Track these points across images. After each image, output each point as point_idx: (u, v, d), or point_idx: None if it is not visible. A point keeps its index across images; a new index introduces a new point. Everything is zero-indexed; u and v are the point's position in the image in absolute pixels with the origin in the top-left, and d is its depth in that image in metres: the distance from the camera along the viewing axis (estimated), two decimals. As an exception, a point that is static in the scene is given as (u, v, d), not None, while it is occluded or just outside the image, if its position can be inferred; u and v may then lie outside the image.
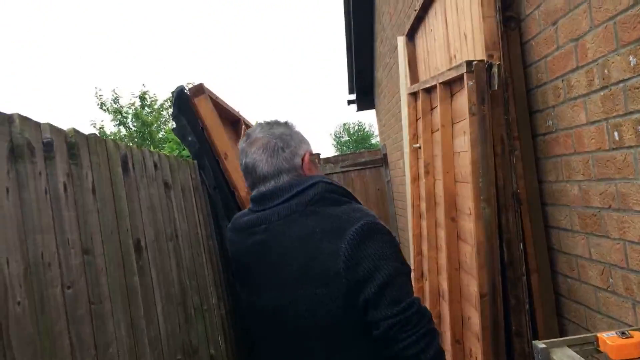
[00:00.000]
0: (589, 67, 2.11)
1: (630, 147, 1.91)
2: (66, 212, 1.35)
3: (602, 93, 2.04)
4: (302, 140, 1.84)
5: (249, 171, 1.80)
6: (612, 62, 1.95)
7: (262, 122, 1.88)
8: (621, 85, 1.91)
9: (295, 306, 1.65)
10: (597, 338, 1.76)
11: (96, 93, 21.43)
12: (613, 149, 2.02)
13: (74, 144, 1.44)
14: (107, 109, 21.44)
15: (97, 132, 21.64)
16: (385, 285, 1.53)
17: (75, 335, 1.31)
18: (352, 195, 1.81)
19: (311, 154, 1.85)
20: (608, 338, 1.70)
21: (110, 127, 21.92)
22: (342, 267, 1.54)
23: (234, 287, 3.08)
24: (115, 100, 21.55)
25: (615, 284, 2.11)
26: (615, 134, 1.98)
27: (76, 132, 1.47)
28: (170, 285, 2.13)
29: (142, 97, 21.52)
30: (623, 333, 1.69)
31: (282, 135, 1.79)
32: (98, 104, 21.20)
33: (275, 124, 1.85)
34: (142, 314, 1.78)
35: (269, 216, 1.72)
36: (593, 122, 2.13)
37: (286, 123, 1.87)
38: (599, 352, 1.77)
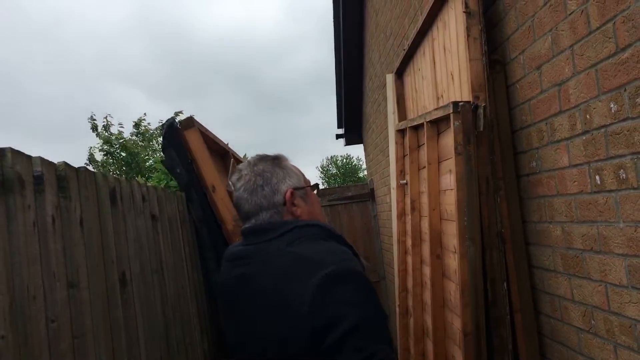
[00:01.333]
0: (572, 112, 2.16)
1: (611, 190, 1.95)
2: (53, 245, 1.35)
3: (584, 137, 2.09)
4: (287, 176, 1.80)
5: (236, 207, 1.82)
6: (594, 108, 2.00)
7: (252, 157, 1.89)
8: (602, 130, 1.96)
9: (264, 346, 1.63)
10: (578, 380, 1.77)
11: (91, 117, 21.37)
12: (595, 192, 2.06)
13: (64, 177, 1.45)
14: (99, 134, 21.38)
15: (87, 158, 21.29)
16: (350, 333, 1.47)
17: (57, 370, 1.31)
18: (337, 234, 1.78)
19: (296, 189, 1.80)
20: (589, 381, 1.71)
21: (99, 155, 21.81)
22: (308, 310, 1.51)
23: (218, 321, 3.06)
24: (106, 127, 21.51)
25: (597, 326, 2.13)
26: (597, 177, 2.03)
27: (66, 165, 1.48)
28: (154, 319, 2.12)
29: (138, 125, 21.48)
30: (604, 376, 1.70)
31: (263, 173, 1.78)
32: (92, 129, 21.14)
33: (261, 159, 1.84)
34: (125, 348, 1.77)
35: (252, 252, 1.72)
36: (575, 165, 2.18)
37: (273, 158, 1.85)
38: (581, 394, 1.78)
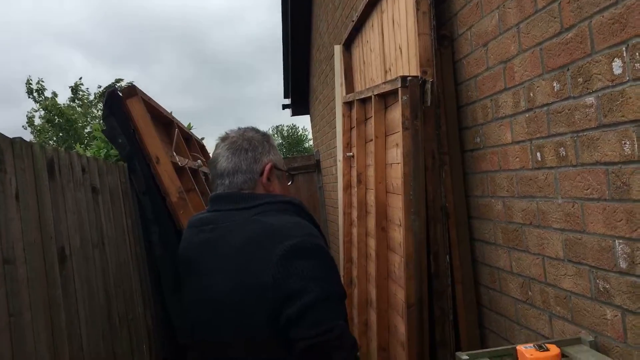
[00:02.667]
0: (516, 89, 2.20)
1: (551, 167, 2.01)
2: (-14, 221, 1.28)
3: (527, 115, 2.14)
4: (271, 152, 1.85)
5: (211, 164, 1.84)
6: (538, 86, 2.05)
7: (244, 127, 1.93)
8: (545, 108, 2.01)
9: (222, 313, 1.63)
10: (516, 350, 1.84)
11: (27, 81, 20.49)
12: (536, 168, 2.12)
13: (-2, 149, 1.38)
14: (34, 98, 20.57)
15: (26, 123, 20.51)
16: (310, 306, 1.51)
17: (-8, 351, 1.25)
18: (307, 212, 1.81)
19: (275, 168, 1.84)
20: (526, 351, 1.78)
21: (38, 119, 20.99)
22: (270, 280, 1.53)
23: (162, 296, 3.02)
24: (39, 91, 20.68)
25: (534, 297, 2.22)
26: (538, 154, 2.08)
27: (0, 136, 1.40)
28: (94, 295, 2.07)
29: (75, 89, 20.72)
30: (540, 346, 1.78)
31: (252, 139, 1.83)
32: (27, 93, 20.33)
33: (252, 129, 1.89)
34: (64, 326, 1.72)
35: (218, 218, 1.73)
36: (518, 142, 2.23)
37: (264, 133, 1.90)
38: (518, 364, 1.85)
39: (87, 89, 21.63)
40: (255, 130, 1.90)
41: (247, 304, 1.57)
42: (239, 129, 1.89)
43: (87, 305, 1.95)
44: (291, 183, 1.96)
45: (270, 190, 1.81)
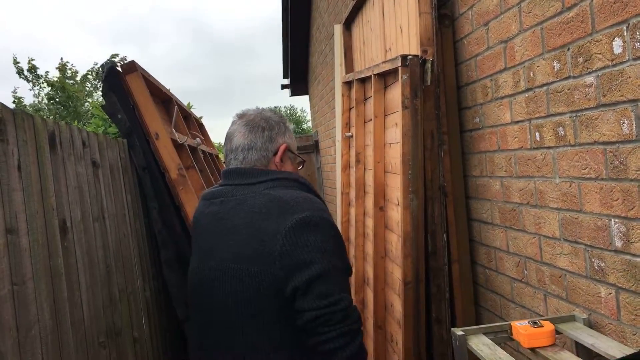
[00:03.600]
0: (516, 69, 2.21)
1: (549, 147, 2.02)
2: (-10, 190, 1.30)
3: (526, 95, 2.15)
4: (286, 134, 1.87)
5: (227, 139, 1.86)
6: (538, 66, 2.05)
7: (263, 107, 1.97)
8: (544, 88, 2.02)
9: (229, 280, 1.64)
10: (510, 326, 1.87)
11: (14, 60, 20.30)
12: (534, 148, 2.13)
13: (0, 120, 1.38)
14: (26, 77, 20.39)
15: (13, 102, 20.36)
16: (317, 278, 1.54)
17: (-4, 317, 1.27)
18: (315, 191, 1.84)
19: (289, 150, 1.86)
20: (521, 327, 1.81)
21: (29, 99, 20.83)
22: (278, 250, 1.56)
23: (161, 269, 3.04)
24: (32, 69, 20.52)
25: (529, 275, 2.25)
26: (537, 134, 2.10)
27: (3, 107, 1.41)
28: (95, 267, 2.09)
29: (62, 69, 20.57)
30: (534, 322, 1.81)
31: (269, 119, 1.85)
32: (17, 72, 20.14)
33: (271, 111, 1.92)
34: (66, 296, 1.74)
35: (228, 191, 1.76)
36: (517, 122, 2.24)
37: (281, 115, 1.93)
38: (512, 339, 1.89)
39: (74, 65, 21.49)
40: (272, 111, 1.91)
41: (253, 273, 1.59)
42: (257, 108, 1.91)
43: (87, 276, 1.97)
44: (301, 168, 1.97)
45: (282, 170, 1.83)
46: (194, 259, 1.85)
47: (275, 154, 1.81)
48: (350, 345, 1.54)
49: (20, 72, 20.27)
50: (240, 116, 1.87)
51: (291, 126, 1.95)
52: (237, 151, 1.80)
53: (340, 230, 4.49)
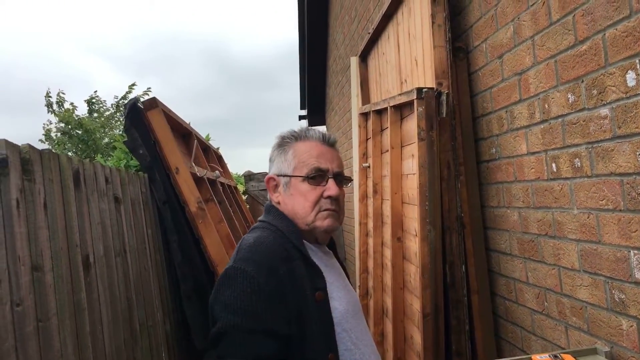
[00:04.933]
0: (531, 101, 2.23)
1: (566, 178, 2.02)
2: (18, 229, 1.34)
3: (542, 126, 2.16)
4: (275, 161, 1.73)
5: None
6: (552, 98, 2.07)
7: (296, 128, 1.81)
8: (560, 119, 2.03)
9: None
10: (531, 360, 1.85)
11: (47, 94, 20.67)
12: (551, 179, 2.13)
13: (28, 160, 1.43)
14: (53, 111, 20.75)
15: (43, 136, 20.68)
16: (218, 336, 1.44)
17: (22, 353, 1.30)
18: (289, 234, 1.64)
19: (271, 179, 1.72)
20: (542, 360, 1.79)
21: (55, 132, 21.17)
22: (210, 300, 1.52)
23: (181, 301, 3.06)
24: (60, 103, 20.86)
25: (550, 307, 2.23)
26: (554, 165, 2.10)
27: (31, 147, 1.46)
28: (116, 301, 2.12)
29: (90, 102, 20.91)
30: (555, 356, 1.79)
31: (272, 149, 1.76)
32: (45, 105, 20.52)
33: (277, 136, 1.77)
34: (89, 330, 1.77)
35: None
36: (533, 153, 2.25)
37: (282, 137, 1.74)
38: (534, 373, 1.86)
39: (105, 100, 21.72)
40: (277, 136, 1.76)
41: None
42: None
43: (109, 310, 2.00)
44: (324, 189, 1.67)
45: (277, 202, 1.71)
46: None
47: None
48: None
49: (49, 105, 20.58)
50: None
51: (311, 134, 1.72)
52: None
53: (359, 261, 4.49)
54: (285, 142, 1.72)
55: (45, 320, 1.45)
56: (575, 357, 1.82)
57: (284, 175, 1.69)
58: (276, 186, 1.71)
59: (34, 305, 1.40)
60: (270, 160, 1.73)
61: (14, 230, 1.32)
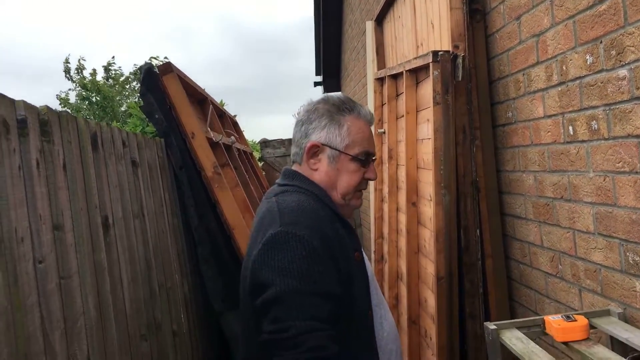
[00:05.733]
0: (549, 63, 2.20)
1: (583, 141, 2.01)
2: (38, 189, 1.37)
3: (559, 88, 2.14)
4: (325, 129, 1.66)
5: None
6: (570, 60, 2.04)
7: (337, 95, 1.77)
8: (577, 82, 2.01)
9: (242, 283, 1.64)
10: (544, 321, 1.87)
11: (66, 60, 20.69)
12: (567, 142, 2.12)
13: (47, 122, 1.46)
14: (71, 77, 20.80)
15: (59, 103, 20.73)
16: (273, 301, 1.41)
17: (46, 309, 1.34)
18: (303, 179, 1.67)
19: (315, 146, 1.66)
20: (554, 321, 1.81)
21: (73, 98, 21.26)
22: (250, 267, 1.51)
23: (198, 264, 3.12)
24: (79, 70, 20.89)
25: (564, 270, 2.24)
26: (570, 128, 2.09)
27: (49, 109, 1.48)
28: (135, 262, 2.16)
29: (107, 69, 20.95)
30: (568, 317, 1.81)
31: (314, 111, 1.69)
32: (64, 70, 20.57)
33: (328, 101, 1.72)
34: (109, 289, 1.81)
35: (268, 192, 1.72)
36: (550, 116, 2.23)
37: (336, 106, 1.69)
38: (546, 334, 1.89)
39: (120, 67, 21.68)
40: (329, 102, 1.70)
41: (244, 282, 1.58)
42: (322, 97, 1.75)
43: (129, 271, 2.04)
44: (366, 171, 1.68)
45: (315, 169, 1.67)
46: None
47: (304, 152, 1.67)
48: None
49: (67, 71, 20.57)
50: (304, 104, 1.75)
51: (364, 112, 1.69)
52: (292, 144, 1.73)
53: (373, 226, 4.51)
54: (339, 112, 1.68)
55: (67, 278, 1.49)
56: (588, 318, 1.83)
57: (334, 149, 1.66)
58: (316, 153, 1.67)
59: (55, 263, 1.44)
60: (308, 122, 1.67)
61: (34, 190, 1.35)
